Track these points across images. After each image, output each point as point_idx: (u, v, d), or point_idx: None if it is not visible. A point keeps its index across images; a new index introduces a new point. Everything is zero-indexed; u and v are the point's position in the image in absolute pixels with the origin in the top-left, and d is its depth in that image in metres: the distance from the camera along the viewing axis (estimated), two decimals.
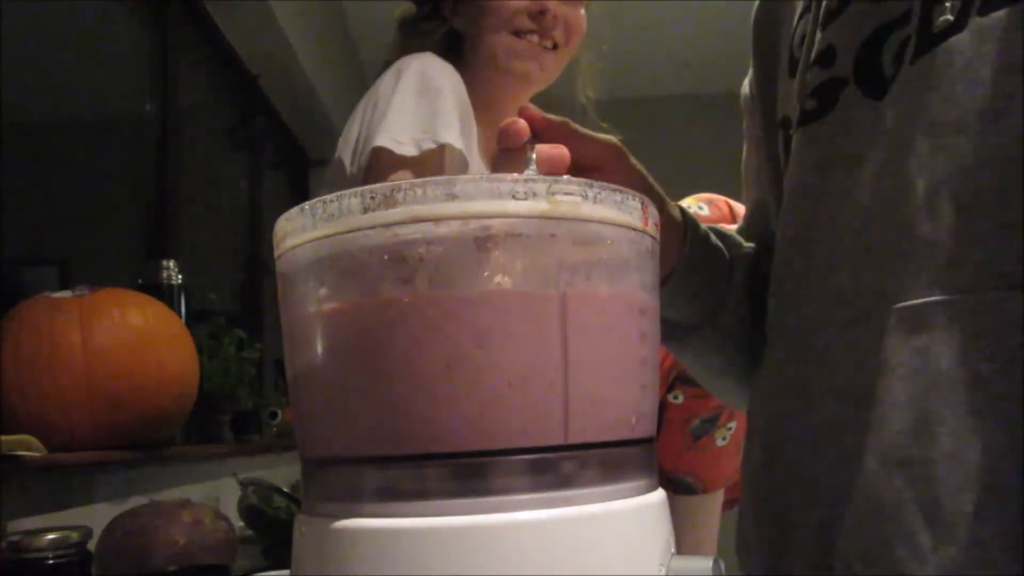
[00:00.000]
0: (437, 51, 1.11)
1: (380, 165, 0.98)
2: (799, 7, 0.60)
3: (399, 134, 0.98)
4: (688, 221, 0.59)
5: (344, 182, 1.03)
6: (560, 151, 0.48)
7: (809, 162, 0.54)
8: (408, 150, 0.97)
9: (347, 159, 1.04)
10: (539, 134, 0.50)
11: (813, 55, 0.54)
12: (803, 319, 0.52)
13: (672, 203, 0.59)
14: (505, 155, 0.49)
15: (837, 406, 0.48)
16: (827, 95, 0.52)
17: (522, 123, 0.49)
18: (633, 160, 0.55)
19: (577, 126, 0.52)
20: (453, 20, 1.15)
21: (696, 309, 0.60)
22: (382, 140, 0.98)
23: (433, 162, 0.97)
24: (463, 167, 1.00)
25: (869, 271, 0.48)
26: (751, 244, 0.66)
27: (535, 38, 1.12)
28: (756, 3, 0.72)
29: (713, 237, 0.61)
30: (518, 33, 1.12)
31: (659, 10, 3.21)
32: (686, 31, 3.41)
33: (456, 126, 1.00)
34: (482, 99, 1.14)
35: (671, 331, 0.63)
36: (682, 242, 0.58)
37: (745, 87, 0.76)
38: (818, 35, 0.54)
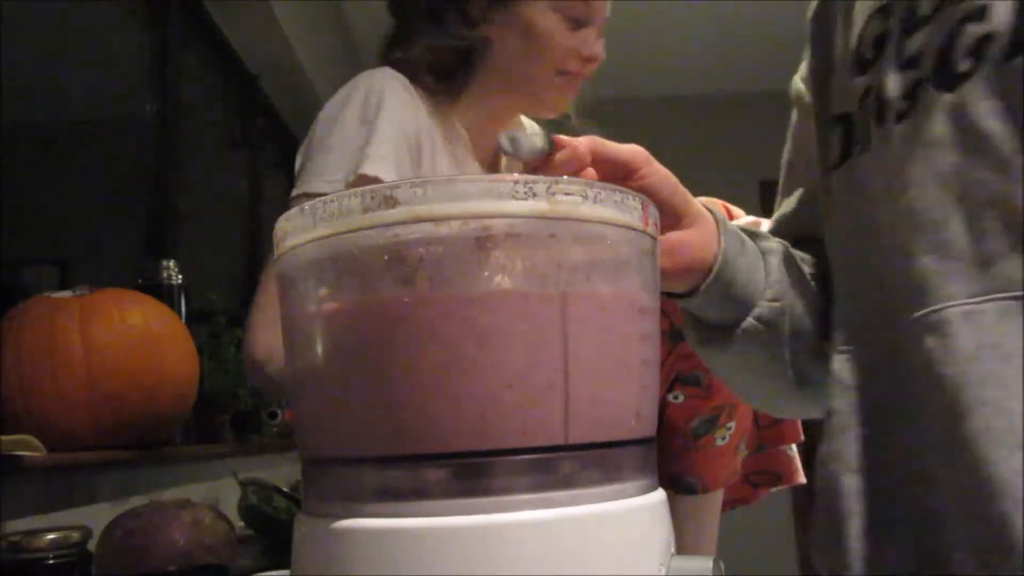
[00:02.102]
0: (444, 56, 1.10)
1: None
2: (866, 6, 0.60)
3: (331, 173, 0.99)
4: (717, 217, 0.59)
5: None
6: (588, 175, 0.52)
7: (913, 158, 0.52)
8: (338, 187, 0.97)
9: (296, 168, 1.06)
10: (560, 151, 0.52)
11: (904, 57, 0.54)
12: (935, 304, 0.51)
13: (698, 203, 0.59)
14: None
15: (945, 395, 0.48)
16: (916, 95, 0.53)
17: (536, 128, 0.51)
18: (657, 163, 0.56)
19: (602, 140, 0.54)
20: (486, 29, 1.12)
21: (735, 305, 0.60)
22: (313, 184, 0.99)
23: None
24: None
25: (990, 254, 0.47)
26: (778, 239, 0.65)
27: (575, 77, 1.13)
28: (814, 1, 0.71)
29: (741, 232, 0.62)
30: (562, 71, 1.12)
31: (660, 10, 3.21)
32: (686, 31, 3.41)
33: (390, 155, 0.99)
34: (488, 111, 1.14)
35: (711, 334, 0.63)
36: (716, 236, 0.58)
37: (798, 84, 0.75)
38: (907, 38, 0.54)
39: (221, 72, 2.59)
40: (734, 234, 0.60)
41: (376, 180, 0.97)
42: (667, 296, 0.60)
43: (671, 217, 0.57)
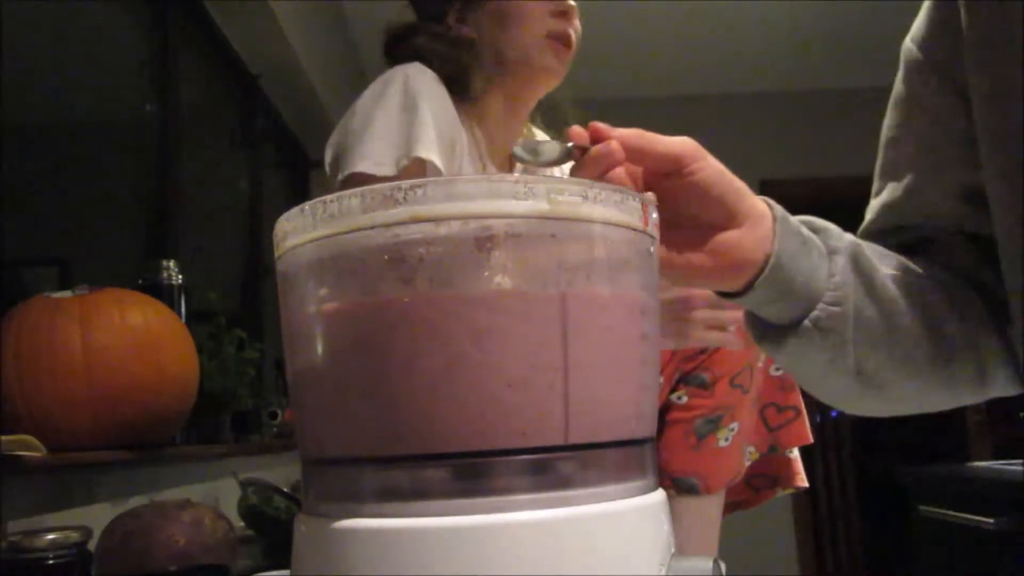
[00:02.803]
0: (444, 60, 1.11)
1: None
2: None
3: (379, 156, 0.98)
4: (777, 215, 0.57)
5: (331, 186, 1.04)
6: (617, 174, 0.50)
7: None
8: (387, 170, 0.97)
9: (328, 166, 1.05)
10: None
11: None
12: None
13: (758, 197, 0.57)
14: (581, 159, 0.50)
15: None
16: None
17: (580, 131, 0.50)
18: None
19: (648, 134, 0.52)
20: (460, 29, 1.14)
21: (792, 307, 0.58)
22: (362, 166, 0.98)
23: (410, 177, 0.97)
24: None
25: None
26: (851, 236, 0.62)
27: (564, 36, 1.14)
28: None
29: (805, 230, 0.59)
30: (548, 34, 1.14)
31: (660, 10, 3.21)
32: (687, 31, 3.41)
33: (435, 141, 1.00)
34: (503, 101, 1.15)
35: (766, 331, 0.61)
36: (771, 236, 0.56)
37: (914, 50, 0.68)
38: None
39: (221, 72, 2.58)
40: (794, 233, 0.57)
41: (427, 165, 0.97)
42: (721, 295, 0.59)
43: (722, 215, 0.54)
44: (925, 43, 0.67)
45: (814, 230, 0.60)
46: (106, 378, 0.98)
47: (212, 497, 1.64)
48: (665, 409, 1.09)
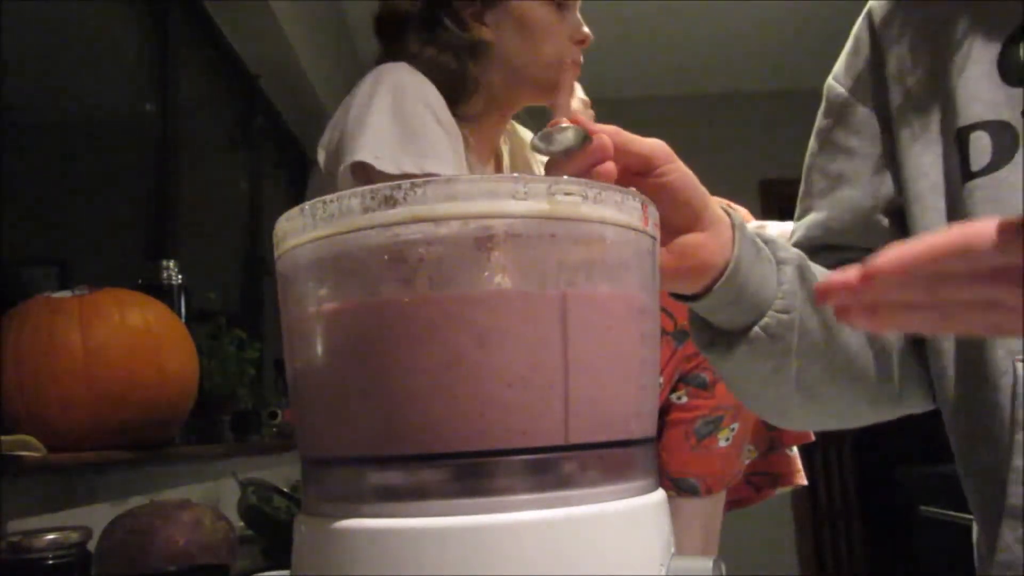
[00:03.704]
0: (449, 75, 1.10)
1: (358, 180, 0.97)
2: (985, 24, 0.62)
3: (378, 150, 0.97)
4: (735, 222, 0.58)
5: (327, 184, 1.03)
6: (608, 168, 0.50)
7: None
8: (386, 166, 0.96)
9: (323, 162, 1.04)
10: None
11: None
12: None
13: (715, 203, 0.58)
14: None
15: None
16: None
17: (564, 122, 0.51)
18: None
19: (624, 132, 0.53)
20: (482, 31, 1.13)
21: (744, 313, 0.59)
22: (362, 155, 0.97)
23: None
24: None
25: None
26: (796, 249, 0.65)
27: (576, 62, 1.16)
28: (876, 3, 0.73)
29: (758, 239, 0.61)
30: (566, 57, 1.15)
31: (660, 10, 3.21)
32: (687, 31, 3.41)
33: (449, 158, 0.99)
34: (499, 105, 1.15)
35: (717, 337, 0.62)
36: (730, 242, 0.57)
37: (840, 89, 0.74)
38: None
39: (221, 72, 2.59)
40: (750, 241, 0.58)
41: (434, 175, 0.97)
42: (675, 298, 0.60)
43: (688, 218, 0.55)
44: (847, 82, 0.74)
45: (764, 241, 0.61)
46: (106, 378, 0.98)
47: (212, 497, 1.64)
48: (665, 409, 1.09)
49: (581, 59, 1.16)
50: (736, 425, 1.08)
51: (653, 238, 0.44)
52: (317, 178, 1.08)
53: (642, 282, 0.43)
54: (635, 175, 0.53)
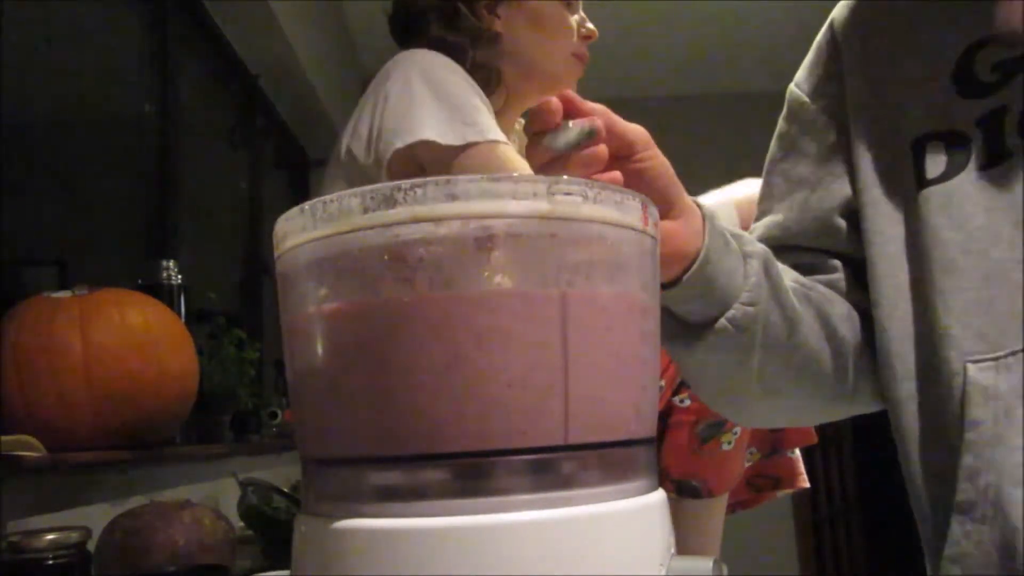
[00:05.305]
0: (462, 45, 1.11)
1: (415, 162, 0.98)
2: (944, 32, 0.63)
3: (438, 127, 0.97)
4: (705, 213, 0.59)
5: (358, 175, 1.02)
6: (600, 151, 0.51)
7: None
8: (452, 139, 0.97)
9: (359, 151, 1.03)
10: (575, 116, 0.52)
11: None
12: None
13: (688, 196, 0.59)
14: (537, 138, 0.51)
15: None
16: None
17: (555, 101, 0.51)
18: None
19: (612, 114, 0.53)
20: (493, 23, 1.14)
21: (710, 304, 0.60)
22: (425, 134, 0.97)
23: (485, 156, 0.97)
24: (503, 165, 0.99)
25: None
26: (762, 244, 0.65)
27: (583, 56, 1.19)
28: (847, 4, 0.73)
29: (727, 232, 0.61)
30: (574, 52, 1.18)
31: (660, 10, 3.21)
32: (687, 31, 3.41)
33: (496, 127, 1.01)
34: (513, 98, 1.17)
35: (684, 328, 0.62)
36: (701, 232, 0.57)
37: (801, 95, 0.76)
38: None
39: (221, 72, 2.58)
40: (719, 233, 0.59)
41: (498, 148, 0.98)
42: None
43: (662, 206, 0.55)
44: (808, 88, 0.76)
45: (731, 235, 0.62)
46: (106, 378, 0.98)
47: (212, 497, 1.64)
48: (668, 412, 1.09)
49: (587, 54, 1.18)
50: (739, 429, 1.08)
51: (653, 238, 0.44)
52: (341, 170, 1.06)
53: (642, 282, 0.43)
54: (614, 158, 0.53)
